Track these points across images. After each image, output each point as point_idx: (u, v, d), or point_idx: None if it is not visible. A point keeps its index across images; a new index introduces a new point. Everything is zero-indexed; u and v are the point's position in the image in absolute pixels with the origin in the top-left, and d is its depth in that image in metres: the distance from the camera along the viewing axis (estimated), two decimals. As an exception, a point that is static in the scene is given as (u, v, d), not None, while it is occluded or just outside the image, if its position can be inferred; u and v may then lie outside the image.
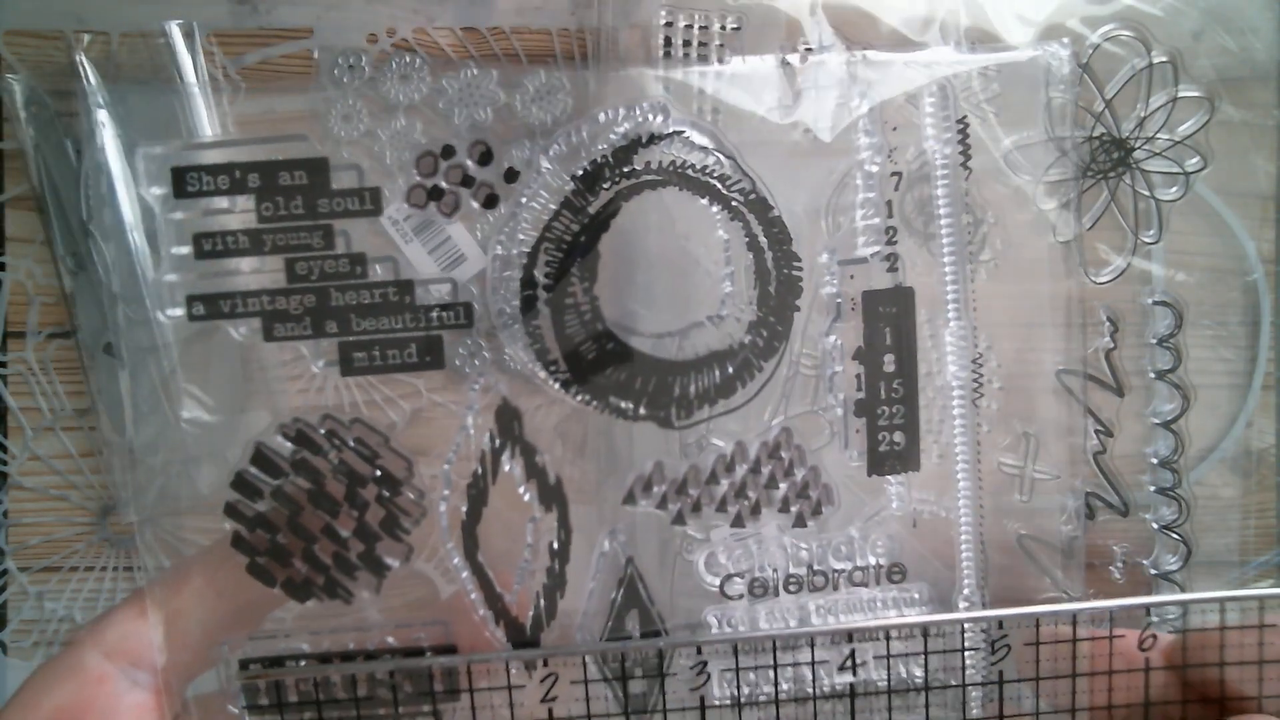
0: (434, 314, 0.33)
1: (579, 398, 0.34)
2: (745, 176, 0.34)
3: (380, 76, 0.38)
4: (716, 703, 0.34)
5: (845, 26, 0.39)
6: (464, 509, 0.33)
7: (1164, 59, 0.39)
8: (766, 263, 0.34)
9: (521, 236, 0.33)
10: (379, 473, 0.32)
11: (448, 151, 0.33)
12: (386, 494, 0.32)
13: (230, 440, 0.37)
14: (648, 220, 0.34)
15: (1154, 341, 0.40)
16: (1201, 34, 0.39)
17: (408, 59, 0.38)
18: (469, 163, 0.33)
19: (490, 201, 0.33)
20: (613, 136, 0.33)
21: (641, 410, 0.34)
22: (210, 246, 0.32)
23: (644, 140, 0.33)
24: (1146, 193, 0.40)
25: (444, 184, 0.33)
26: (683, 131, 0.34)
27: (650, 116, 0.33)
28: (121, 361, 0.40)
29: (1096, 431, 0.40)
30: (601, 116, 0.33)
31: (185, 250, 0.32)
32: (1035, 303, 0.40)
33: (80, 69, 0.38)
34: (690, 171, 0.34)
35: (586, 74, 0.38)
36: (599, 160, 0.33)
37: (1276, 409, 0.41)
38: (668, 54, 0.38)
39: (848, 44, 0.39)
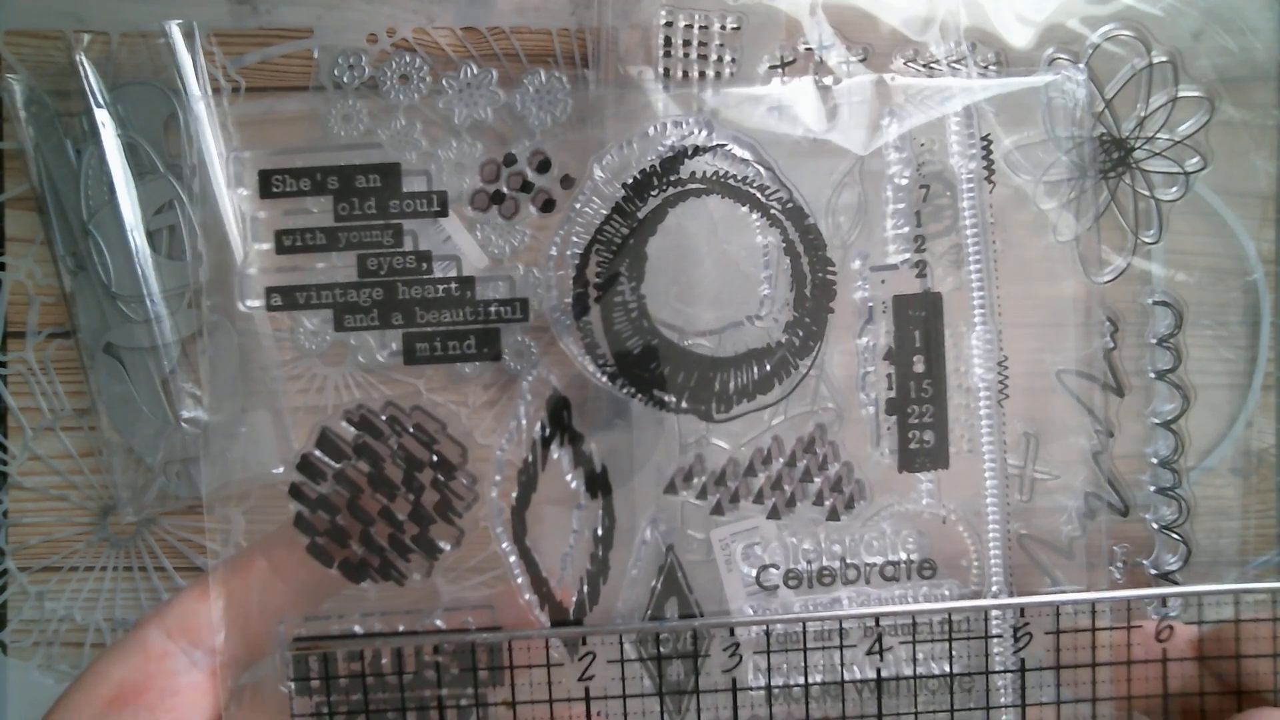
0: (492, 308, 0.35)
1: (625, 390, 0.36)
2: (783, 187, 0.36)
3: (380, 76, 0.38)
4: (750, 686, 0.36)
5: (845, 26, 0.39)
6: (514, 495, 0.35)
7: (1164, 59, 0.39)
8: (803, 267, 0.36)
9: (575, 239, 0.35)
10: (436, 457, 0.34)
11: (509, 160, 0.36)
12: (442, 478, 0.34)
13: (230, 440, 0.37)
14: (692, 226, 0.36)
15: (1154, 341, 0.40)
16: (1201, 34, 0.39)
17: (408, 59, 0.38)
18: (528, 170, 0.36)
19: (547, 206, 0.36)
20: (660, 148, 0.36)
21: (683, 403, 0.36)
22: (290, 242, 0.34)
23: (689, 152, 0.36)
24: (1146, 193, 0.40)
25: (505, 189, 0.36)
26: (725, 145, 0.36)
27: (696, 130, 0.36)
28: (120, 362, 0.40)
29: (1096, 431, 0.40)
30: (650, 130, 0.36)
31: (267, 246, 0.34)
32: (1035, 303, 0.40)
33: (80, 69, 0.38)
34: (732, 181, 0.36)
35: (587, 73, 0.38)
36: (648, 169, 0.36)
37: (1276, 409, 0.41)
38: (668, 54, 0.38)
39: (848, 44, 0.39)
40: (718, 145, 0.36)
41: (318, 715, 0.33)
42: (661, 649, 0.35)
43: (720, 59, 0.38)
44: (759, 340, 0.36)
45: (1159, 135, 0.40)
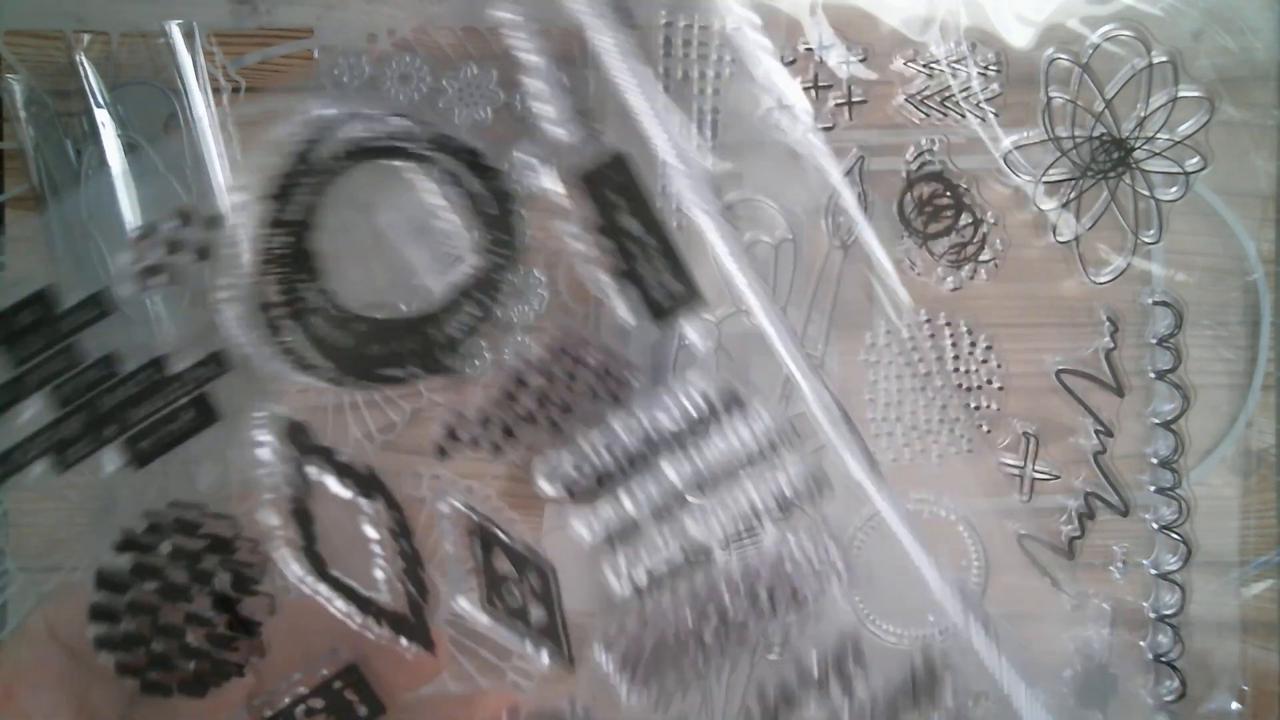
0: (191, 375, 0.34)
1: (355, 385, 0.35)
2: (421, 123, 0.35)
3: (380, 76, 0.38)
4: (618, 593, 0.34)
5: (845, 27, 0.39)
6: (298, 536, 0.33)
7: (1164, 59, 0.39)
8: (471, 187, 0.35)
9: (244, 270, 0.34)
10: (207, 541, 0.32)
11: (147, 231, 0.35)
12: (225, 556, 0.32)
13: (230, 440, 0.37)
14: (349, 203, 0.35)
15: (1154, 341, 0.40)
16: (1201, 34, 0.39)
17: (408, 59, 0.38)
18: (169, 228, 0.35)
19: (204, 253, 0.35)
20: (290, 146, 0.34)
21: (416, 369, 0.35)
22: None
23: (319, 137, 0.34)
24: (1146, 193, 0.40)
25: (154, 260, 0.35)
26: (353, 114, 0.34)
27: (319, 112, 0.34)
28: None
29: (1096, 431, 0.40)
30: (270, 134, 0.34)
31: None
32: (1035, 303, 0.40)
33: (80, 69, 0.38)
34: (369, 144, 0.35)
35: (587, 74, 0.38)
36: (284, 172, 0.34)
37: (1276, 409, 0.41)
38: (668, 53, 0.38)
39: (848, 44, 0.39)
40: (346, 117, 0.34)
41: None
42: (510, 602, 0.33)
43: (720, 59, 0.38)
44: (461, 276, 0.35)
45: (1159, 135, 0.40)
